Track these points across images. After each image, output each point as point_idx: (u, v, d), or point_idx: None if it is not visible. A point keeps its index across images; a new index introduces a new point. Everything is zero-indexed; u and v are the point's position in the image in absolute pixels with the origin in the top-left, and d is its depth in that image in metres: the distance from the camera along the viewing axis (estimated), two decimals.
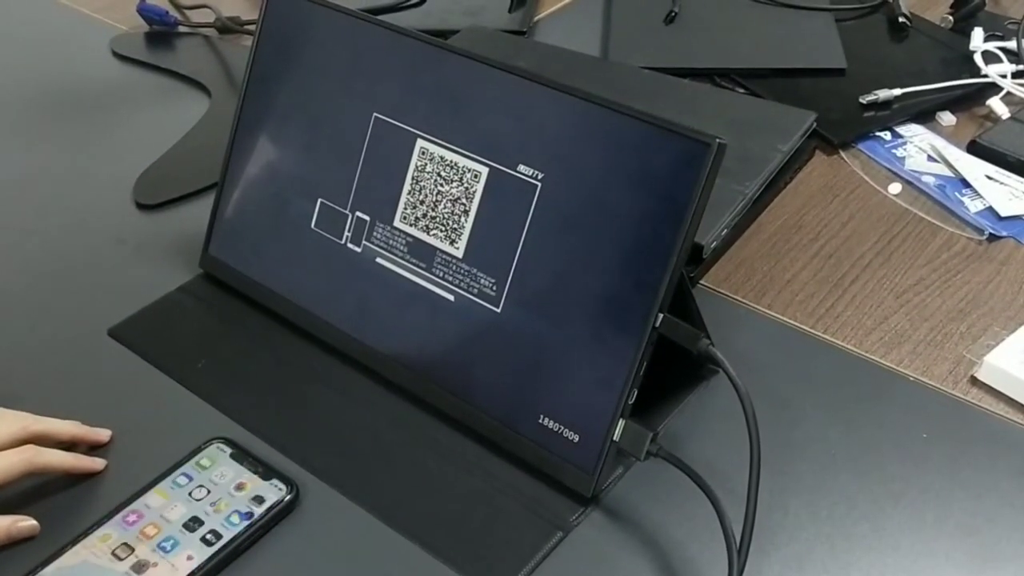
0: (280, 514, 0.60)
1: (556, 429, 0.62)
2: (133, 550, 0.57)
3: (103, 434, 0.65)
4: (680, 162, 0.57)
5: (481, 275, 0.65)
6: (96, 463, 0.63)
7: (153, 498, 0.60)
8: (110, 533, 0.58)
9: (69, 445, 0.63)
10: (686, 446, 0.64)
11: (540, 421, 0.62)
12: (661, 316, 0.58)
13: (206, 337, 0.74)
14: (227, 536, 0.58)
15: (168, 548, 0.57)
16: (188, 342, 0.73)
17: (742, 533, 0.55)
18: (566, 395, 0.62)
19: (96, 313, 0.75)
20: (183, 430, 0.66)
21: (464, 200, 0.65)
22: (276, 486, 0.61)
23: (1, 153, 0.94)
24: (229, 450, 0.63)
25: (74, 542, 0.57)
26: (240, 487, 0.61)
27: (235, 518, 0.59)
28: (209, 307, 0.76)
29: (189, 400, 0.68)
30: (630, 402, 0.60)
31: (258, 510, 0.59)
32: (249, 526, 0.59)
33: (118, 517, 0.59)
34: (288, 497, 0.60)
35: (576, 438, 0.61)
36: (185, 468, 0.62)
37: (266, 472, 0.62)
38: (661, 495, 0.62)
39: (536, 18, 1.15)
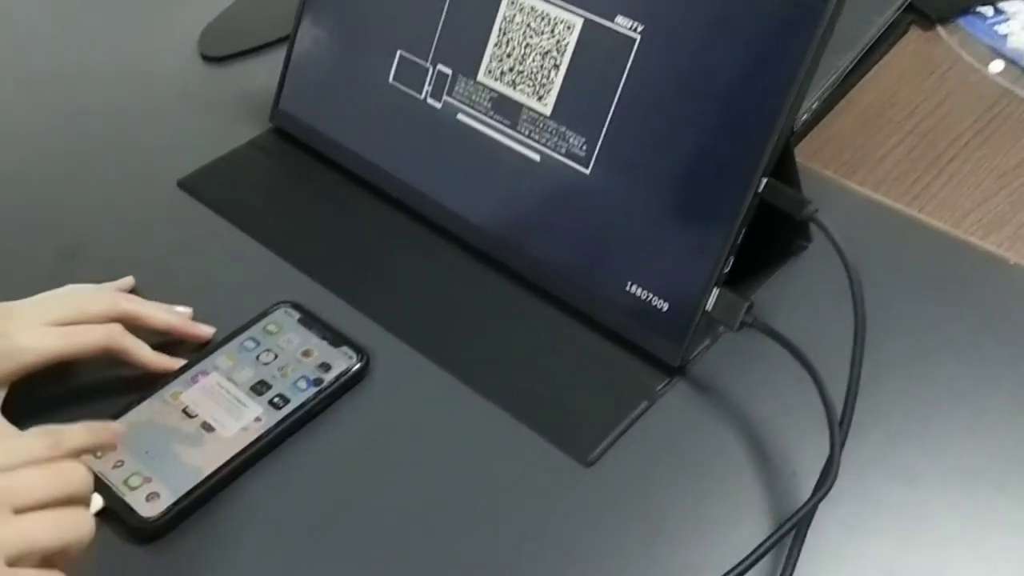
0: (349, 382, 0.58)
1: (644, 297, 0.60)
2: (202, 409, 0.56)
3: (204, 331, 0.60)
4: (795, 20, 0.54)
5: (570, 134, 0.62)
6: (173, 364, 0.58)
7: (221, 360, 0.58)
8: (180, 391, 0.56)
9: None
10: (774, 321, 0.62)
11: (627, 288, 0.60)
12: (764, 181, 0.55)
13: (277, 192, 0.72)
14: (295, 401, 0.56)
15: (236, 410, 0.56)
16: (259, 196, 0.71)
17: (844, 407, 0.53)
18: (656, 262, 0.59)
19: (164, 165, 0.73)
20: (255, 285, 0.64)
21: (555, 53, 0.62)
22: (345, 354, 0.59)
23: (66, 6, 0.91)
24: (297, 315, 0.61)
25: (140, 399, 0.56)
26: (307, 354, 0.59)
27: (302, 383, 0.57)
28: (280, 163, 0.74)
29: (260, 254, 0.67)
30: (725, 270, 0.57)
31: (326, 377, 0.58)
32: (317, 392, 0.57)
33: (186, 376, 0.57)
34: (358, 366, 0.58)
35: (665, 306, 0.59)
36: (252, 332, 0.60)
37: (335, 339, 0.60)
38: (749, 368, 0.60)
39: None
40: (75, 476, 0.44)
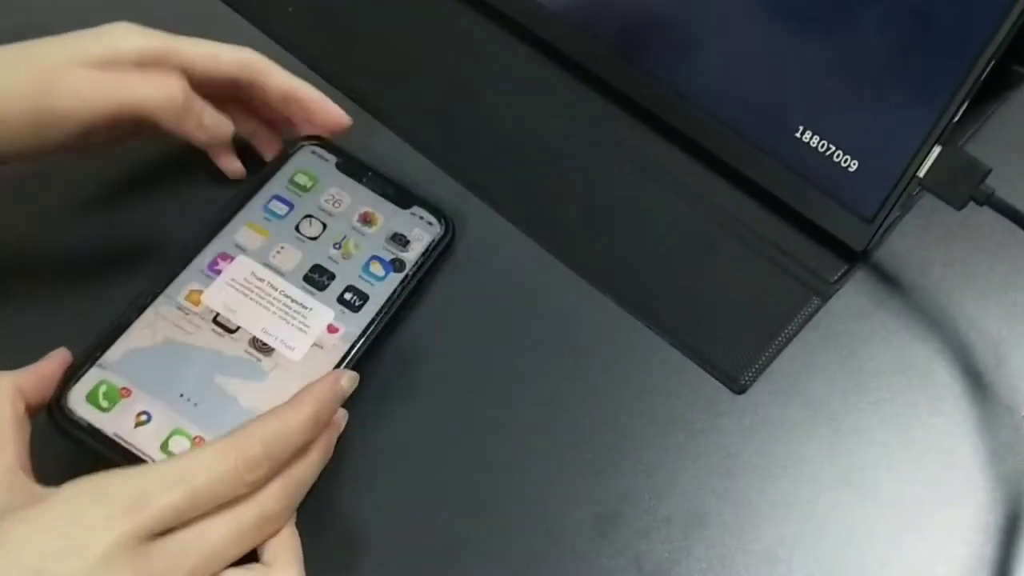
0: (436, 262, 0.41)
1: (822, 149, 0.42)
2: (243, 317, 0.37)
3: (341, 116, 0.41)
4: None
5: None
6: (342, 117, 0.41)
7: (243, 234, 0.39)
8: (198, 289, 0.38)
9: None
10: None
11: (798, 135, 0.42)
12: None
13: None
14: (377, 297, 0.39)
15: (295, 315, 0.38)
16: None
17: None
18: (845, 100, 0.41)
19: None
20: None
21: None
22: (420, 219, 0.41)
23: None
24: (332, 158, 0.42)
25: (140, 307, 0.37)
26: (367, 220, 0.41)
27: (377, 269, 0.40)
28: None
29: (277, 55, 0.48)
30: (955, 120, 0.39)
31: (407, 256, 0.40)
32: (404, 283, 0.39)
33: (199, 264, 0.38)
34: (440, 233, 0.41)
35: (853, 165, 0.41)
36: (275, 187, 0.41)
37: (399, 195, 0.41)
38: (955, 256, 0.43)
39: None
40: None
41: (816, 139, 0.42)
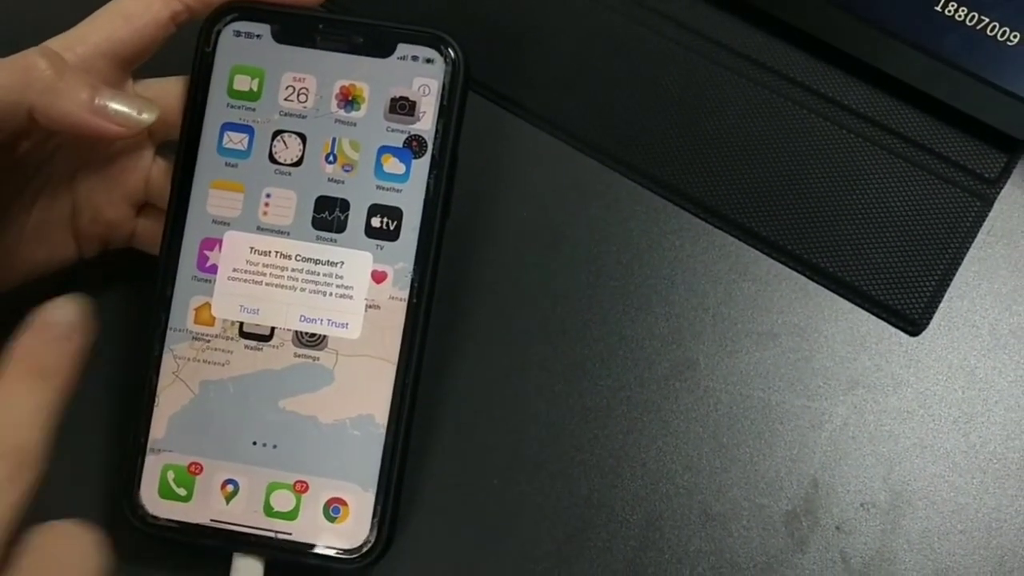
0: (462, 115, 0.30)
1: (970, 22, 0.35)
2: (268, 312, 0.29)
3: None
4: None
5: None
6: None
7: (217, 201, 0.29)
8: (204, 300, 0.29)
9: None
10: None
11: (939, 8, 0.35)
12: None
13: None
14: (412, 204, 0.29)
15: (324, 277, 0.29)
16: None
17: None
18: None
19: None
20: None
21: None
22: (414, 59, 0.29)
23: None
24: (264, 28, 0.30)
25: (155, 362, 0.29)
26: (349, 98, 0.30)
27: (394, 165, 0.29)
28: None
29: None
30: None
31: (422, 128, 0.29)
32: (435, 166, 0.29)
33: (187, 268, 0.29)
34: (448, 70, 0.29)
35: (1015, 38, 0.34)
36: (215, 115, 0.30)
37: (374, 37, 0.29)
38: None
39: None
40: None
41: (963, 11, 0.35)
